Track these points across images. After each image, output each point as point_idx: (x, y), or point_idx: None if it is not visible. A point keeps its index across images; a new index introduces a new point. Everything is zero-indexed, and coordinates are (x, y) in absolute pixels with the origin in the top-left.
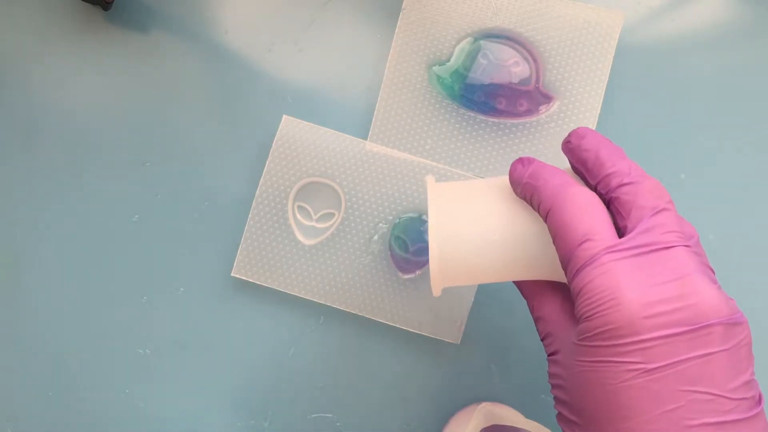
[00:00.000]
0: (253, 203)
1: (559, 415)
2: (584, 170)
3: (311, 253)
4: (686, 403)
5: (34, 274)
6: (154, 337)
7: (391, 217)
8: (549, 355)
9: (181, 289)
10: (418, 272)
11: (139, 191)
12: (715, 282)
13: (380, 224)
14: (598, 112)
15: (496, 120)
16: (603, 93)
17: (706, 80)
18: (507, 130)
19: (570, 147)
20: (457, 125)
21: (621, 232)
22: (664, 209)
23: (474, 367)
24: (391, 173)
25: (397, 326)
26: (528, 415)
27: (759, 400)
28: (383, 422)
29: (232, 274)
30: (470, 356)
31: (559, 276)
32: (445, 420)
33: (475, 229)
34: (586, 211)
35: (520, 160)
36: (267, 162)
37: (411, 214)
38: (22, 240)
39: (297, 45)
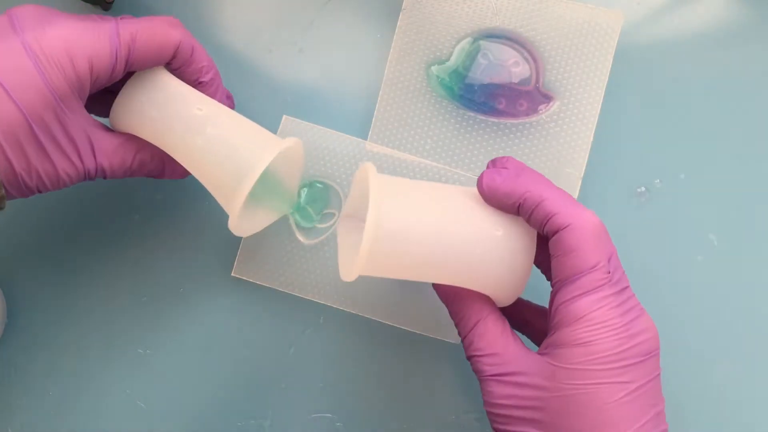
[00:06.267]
0: None
1: None
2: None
3: (311, 253)
4: (650, 417)
5: (33, 273)
6: (154, 337)
7: None
8: (495, 375)
9: (181, 289)
10: None
11: (140, 191)
12: None
13: None
14: (598, 112)
15: (495, 120)
16: (603, 93)
17: (706, 80)
18: (507, 130)
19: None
20: (457, 125)
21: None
22: (614, 251)
23: None
24: (391, 173)
25: (397, 326)
26: None
27: None
28: (383, 422)
29: (232, 274)
30: None
31: (498, 287)
32: (445, 419)
33: (427, 224)
34: (600, 238)
35: (497, 171)
36: None
37: None
38: (21, 239)
39: (297, 45)
